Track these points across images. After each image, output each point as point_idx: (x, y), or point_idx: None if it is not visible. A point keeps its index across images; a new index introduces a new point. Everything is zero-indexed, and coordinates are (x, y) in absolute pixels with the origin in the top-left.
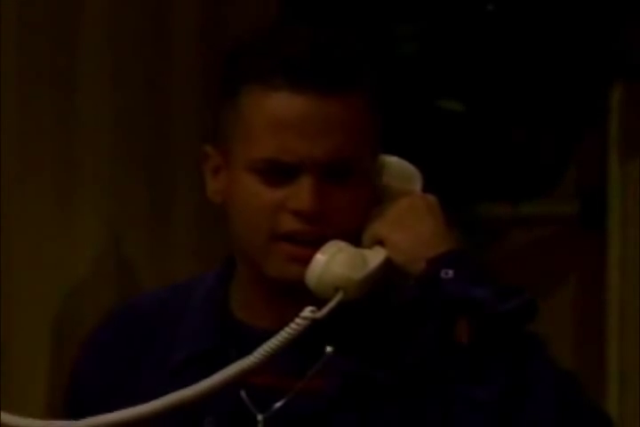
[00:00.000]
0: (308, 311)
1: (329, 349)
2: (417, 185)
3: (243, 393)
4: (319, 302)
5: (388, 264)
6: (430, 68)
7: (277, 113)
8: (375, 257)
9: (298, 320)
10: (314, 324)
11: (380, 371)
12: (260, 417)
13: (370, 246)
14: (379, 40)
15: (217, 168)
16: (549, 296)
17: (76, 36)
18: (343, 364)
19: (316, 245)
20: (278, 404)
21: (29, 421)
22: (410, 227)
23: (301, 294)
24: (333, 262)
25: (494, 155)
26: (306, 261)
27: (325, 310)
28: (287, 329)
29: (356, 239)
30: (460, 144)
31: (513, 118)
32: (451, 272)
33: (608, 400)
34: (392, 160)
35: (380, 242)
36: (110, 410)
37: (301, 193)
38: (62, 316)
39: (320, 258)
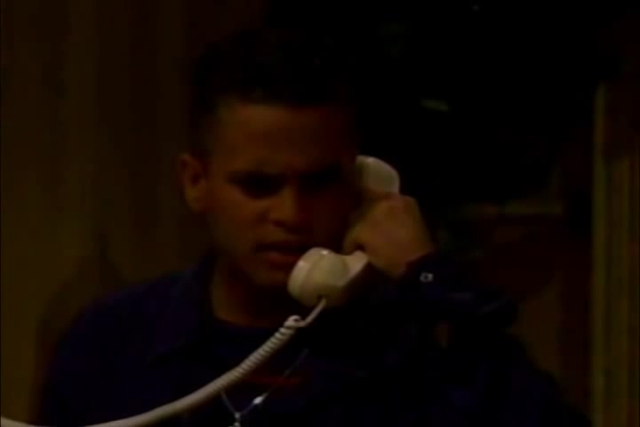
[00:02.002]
0: (292, 321)
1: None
2: (395, 186)
3: (222, 394)
4: (301, 302)
5: (369, 269)
6: (416, 69)
7: (256, 125)
8: (356, 263)
9: (282, 330)
10: (298, 332)
11: (359, 369)
12: (237, 415)
13: (351, 252)
14: (365, 40)
15: (196, 176)
16: (535, 295)
17: (62, 40)
18: (322, 362)
19: (301, 252)
20: (256, 401)
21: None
22: (389, 231)
23: (283, 295)
24: (315, 271)
25: (480, 155)
26: (290, 268)
27: (309, 318)
28: (272, 339)
29: (338, 244)
30: (446, 144)
31: (499, 118)
32: (430, 276)
33: (594, 398)
34: (369, 161)
35: (360, 247)
36: (89, 409)
37: (284, 204)
38: (48, 316)
39: (302, 266)
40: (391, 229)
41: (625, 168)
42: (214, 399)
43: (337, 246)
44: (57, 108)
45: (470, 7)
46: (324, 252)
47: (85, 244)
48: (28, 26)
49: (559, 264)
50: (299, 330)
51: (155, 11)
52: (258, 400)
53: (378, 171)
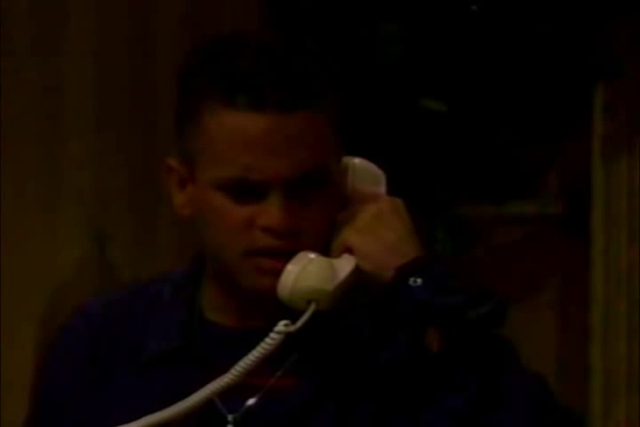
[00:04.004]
0: (281, 326)
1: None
2: (382, 186)
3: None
4: (290, 306)
5: (357, 272)
6: (414, 69)
7: (241, 133)
8: (345, 266)
9: (272, 335)
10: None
11: (352, 370)
12: (230, 417)
13: (339, 254)
14: (362, 40)
15: (182, 182)
16: (534, 296)
17: (61, 38)
18: (315, 362)
19: (289, 257)
20: (248, 403)
21: None
22: (377, 234)
23: (272, 297)
24: (304, 275)
25: (479, 155)
26: (279, 273)
27: (299, 323)
28: (263, 344)
29: (326, 246)
30: (444, 144)
31: (497, 118)
32: (419, 280)
33: (593, 398)
34: (356, 162)
35: (348, 250)
36: (82, 410)
37: (271, 210)
38: (47, 317)
39: (290, 270)
40: (379, 233)
41: (624, 168)
42: (207, 401)
43: (325, 249)
44: (56, 108)
45: (469, 7)
46: (313, 255)
47: (84, 244)
48: (28, 24)
49: (558, 264)
50: (289, 334)
51: (153, 10)
52: (250, 402)
53: (365, 171)
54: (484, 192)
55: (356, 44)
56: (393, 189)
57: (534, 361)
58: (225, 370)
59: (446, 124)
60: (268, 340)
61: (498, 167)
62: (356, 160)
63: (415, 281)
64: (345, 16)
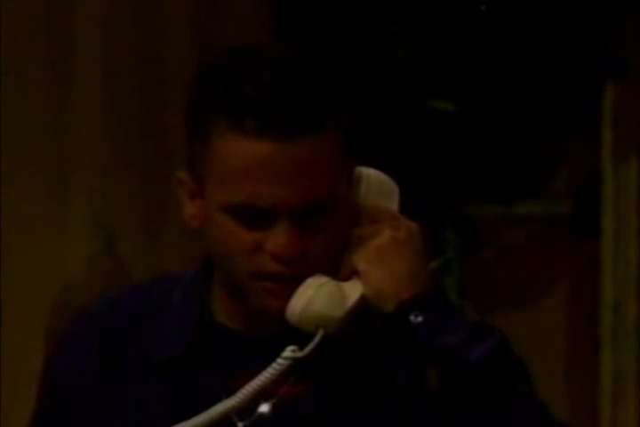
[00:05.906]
0: (289, 351)
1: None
2: (395, 200)
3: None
4: (299, 328)
5: (366, 298)
6: (422, 68)
7: (249, 159)
8: (354, 291)
9: (280, 360)
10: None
11: (365, 381)
12: (240, 425)
13: (348, 276)
14: (370, 40)
15: (193, 193)
16: (542, 295)
17: (70, 36)
18: (325, 370)
19: (296, 282)
20: (259, 411)
21: None
22: (387, 264)
23: None
24: (314, 300)
25: (487, 155)
26: (287, 296)
27: (307, 349)
28: (270, 369)
29: (335, 268)
30: (453, 144)
31: (506, 119)
32: (420, 317)
33: (603, 399)
34: (371, 173)
35: (357, 272)
36: (92, 414)
37: (278, 237)
38: (55, 315)
39: (301, 295)
40: (390, 262)
41: (633, 167)
42: None
43: (334, 270)
44: (64, 106)
45: (477, 7)
46: (324, 279)
47: (92, 242)
48: (36, 21)
49: (567, 264)
50: (296, 360)
51: (161, 14)
52: (261, 410)
53: (379, 184)
54: (493, 192)
55: (363, 45)
56: (401, 190)
57: (543, 362)
58: (236, 374)
59: (454, 124)
60: (274, 365)
61: (506, 167)
62: (371, 172)
63: (416, 317)
64: (352, 16)
